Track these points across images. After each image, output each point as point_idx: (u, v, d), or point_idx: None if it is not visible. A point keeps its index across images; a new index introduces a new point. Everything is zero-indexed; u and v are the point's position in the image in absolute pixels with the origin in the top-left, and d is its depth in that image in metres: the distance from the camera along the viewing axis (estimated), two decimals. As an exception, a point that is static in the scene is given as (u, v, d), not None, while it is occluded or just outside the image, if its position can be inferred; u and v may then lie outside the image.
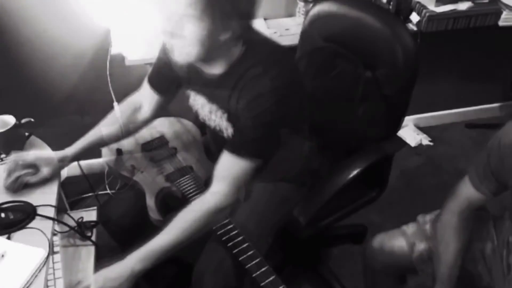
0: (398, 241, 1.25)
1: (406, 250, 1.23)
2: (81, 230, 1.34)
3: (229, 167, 1.11)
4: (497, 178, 1.05)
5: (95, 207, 1.52)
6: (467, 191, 1.12)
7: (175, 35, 1.03)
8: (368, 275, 1.41)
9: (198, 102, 1.26)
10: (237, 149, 1.10)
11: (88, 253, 1.35)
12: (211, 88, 1.18)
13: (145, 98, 1.35)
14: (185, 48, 1.04)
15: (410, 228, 1.26)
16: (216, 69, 1.13)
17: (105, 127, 1.33)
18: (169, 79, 1.29)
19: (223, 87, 1.13)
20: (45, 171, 1.24)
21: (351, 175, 1.34)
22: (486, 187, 1.08)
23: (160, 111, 1.38)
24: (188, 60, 1.08)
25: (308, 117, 1.31)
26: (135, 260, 1.05)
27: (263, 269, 1.03)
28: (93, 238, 1.37)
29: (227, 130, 1.20)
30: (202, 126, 1.53)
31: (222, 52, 1.08)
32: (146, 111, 1.36)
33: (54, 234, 1.24)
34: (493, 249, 1.17)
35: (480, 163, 1.08)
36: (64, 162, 1.27)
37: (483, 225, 1.20)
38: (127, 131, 1.36)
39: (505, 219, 1.16)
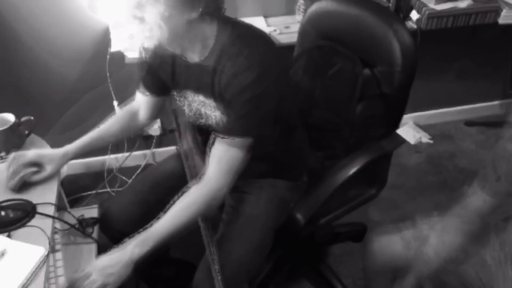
0: (395, 240, 1.25)
1: (402, 250, 1.23)
2: (82, 227, 1.34)
3: (220, 151, 1.12)
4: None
5: (96, 205, 1.52)
6: (474, 194, 1.11)
7: (136, 18, 1.02)
8: (368, 274, 1.42)
9: (185, 100, 1.26)
10: (225, 130, 1.11)
11: (89, 250, 1.35)
12: (195, 78, 1.18)
13: (140, 102, 1.36)
14: (149, 31, 1.04)
15: (409, 232, 1.26)
16: (194, 55, 1.13)
17: (106, 127, 1.34)
18: (155, 80, 1.29)
19: (205, 73, 1.14)
20: (47, 169, 1.24)
21: (350, 173, 1.34)
22: (491, 189, 1.06)
23: (157, 112, 1.39)
24: (154, 44, 1.07)
25: (298, 103, 1.31)
26: (133, 245, 1.08)
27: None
28: (95, 235, 1.37)
29: (217, 118, 1.20)
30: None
31: (194, 36, 1.08)
32: (143, 113, 1.38)
33: (55, 232, 1.24)
34: (494, 258, 1.17)
35: (487, 165, 1.07)
36: (64, 159, 1.28)
37: (484, 232, 1.20)
38: (128, 133, 1.39)
39: (508, 230, 1.16)
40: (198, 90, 1.20)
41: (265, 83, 1.08)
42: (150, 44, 1.08)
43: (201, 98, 1.21)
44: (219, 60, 1.11)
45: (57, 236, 1.30)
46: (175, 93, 1.28)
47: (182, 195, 1.14)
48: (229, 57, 1.09)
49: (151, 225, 1.11)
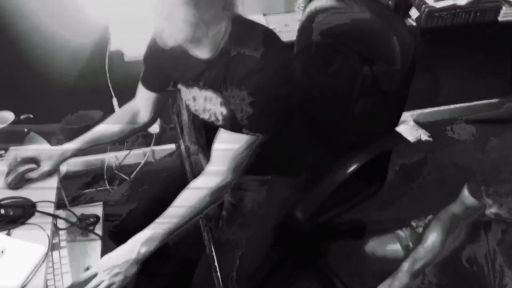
0: (393, 245, 1.25)
1: (401, 253, 1.23)
2: (83, 225, 1.34)
3: (227, 144, 1.13)
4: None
5: (97, 203, 1.51)
6: (464, 197, 1.11)
7: (166, 18, 1.03)
8: (364, 273, 1.42)
9: (190, 94, 1.25)
10: (234, 125, 1.11)
11: (94, 247, 1.34)
12: (203, 73, 1.18)
13: (141, 101, 1.35)
14: (175, 30, 1.04)
15: (404, 231, 1.26)
16: (206, 51, 1.13)
17: (105, 125, 1.34)
18: (161, 75, 1.29)
19: (216, 69, 1.14)
20: (46, 166, 1.24)
21: (350, 171, 1.34)
22: (489, 188, 1.07)
23: (159, 111, 1.38)
24: (177, 42, 1.07)
25: (300, 104, 1.32)
26: (139, 242, 1.07)
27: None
28: (100, 233, 1.36)
29: (223, 114, 1.20)
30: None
31: (209, 33, 1.08)
32: (144, 113, 1.37)
33: (59, 230, 1.24)
34: (485, 254, 1.17)
35: (483, 165, 1.07)
36: (63, 157, 1.27)
37: (479, 230, 1.21)
38: (127, 133, 1.38)
39: (497, 226, 1.17)
40: (205, 85, 1.20)
41: (278, 81, 1.09)
42: (173, 42, 1.07)
43: (208, 93, 1.20)
44: (232, 58, 1.11)
45: (62, 233, 1.30)
46: (182, 87, 1.27)
47: (185, 191, 1.13)
48: (243, 55, 1.09)
49: (154, 222, 1.10)
